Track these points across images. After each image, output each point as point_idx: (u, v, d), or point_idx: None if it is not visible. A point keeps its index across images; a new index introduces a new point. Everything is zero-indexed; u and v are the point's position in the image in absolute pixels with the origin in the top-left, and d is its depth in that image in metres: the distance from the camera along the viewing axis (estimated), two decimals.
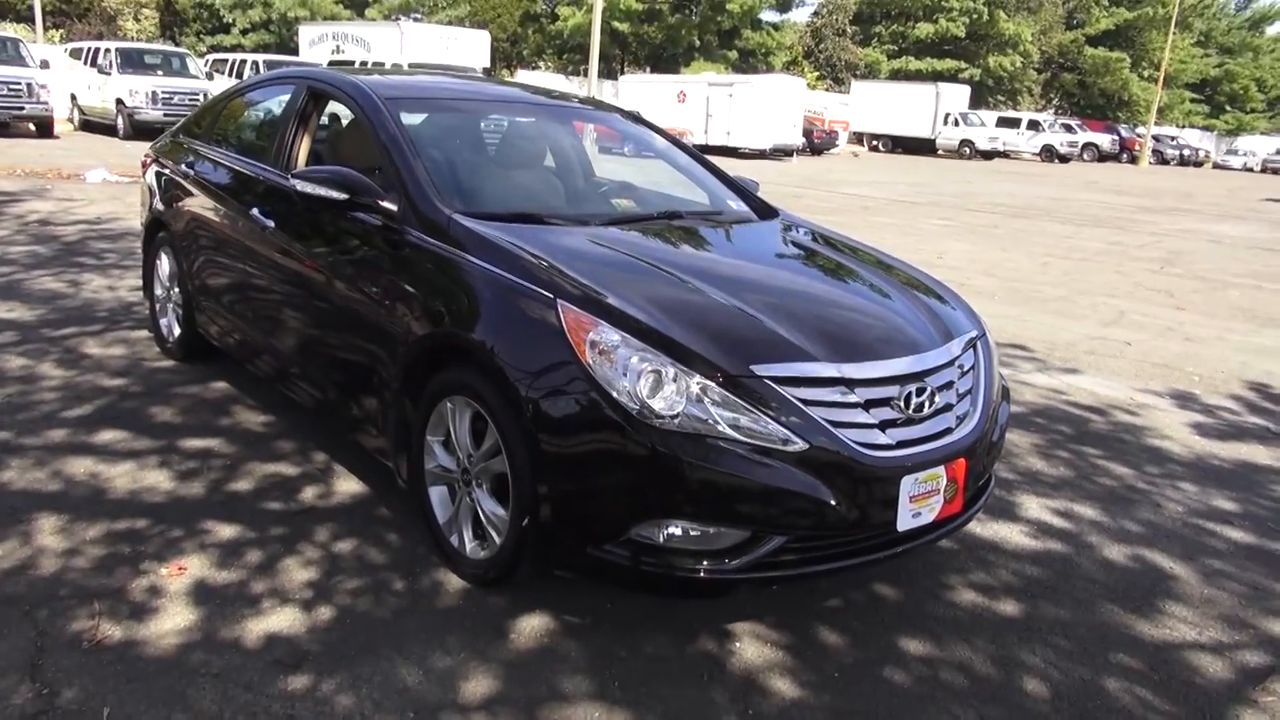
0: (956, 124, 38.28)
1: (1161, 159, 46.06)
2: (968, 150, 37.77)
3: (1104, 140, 43.82)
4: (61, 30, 39.13)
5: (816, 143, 33.98)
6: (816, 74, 49.28)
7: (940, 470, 2.70)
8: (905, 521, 2.65)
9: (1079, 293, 9.01)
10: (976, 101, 44.16)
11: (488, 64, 26.43)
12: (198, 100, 17.88)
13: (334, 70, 4.00)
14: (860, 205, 16.57)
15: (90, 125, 20.64)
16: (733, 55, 42.75)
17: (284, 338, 3.72)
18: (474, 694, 2.38)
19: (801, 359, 2.56)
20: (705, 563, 2.50)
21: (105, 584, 2.75)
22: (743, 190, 4.12)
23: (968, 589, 3.11)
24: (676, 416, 2.42)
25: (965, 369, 2.95)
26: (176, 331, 4.78)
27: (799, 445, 2.46)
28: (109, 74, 19.36)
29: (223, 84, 18.96)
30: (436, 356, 2.89)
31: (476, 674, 2.46)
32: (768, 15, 45.57)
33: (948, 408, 2.81)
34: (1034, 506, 3.83)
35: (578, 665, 2.53)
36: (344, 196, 3.15)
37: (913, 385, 2.70)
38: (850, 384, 2.59)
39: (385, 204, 3.16)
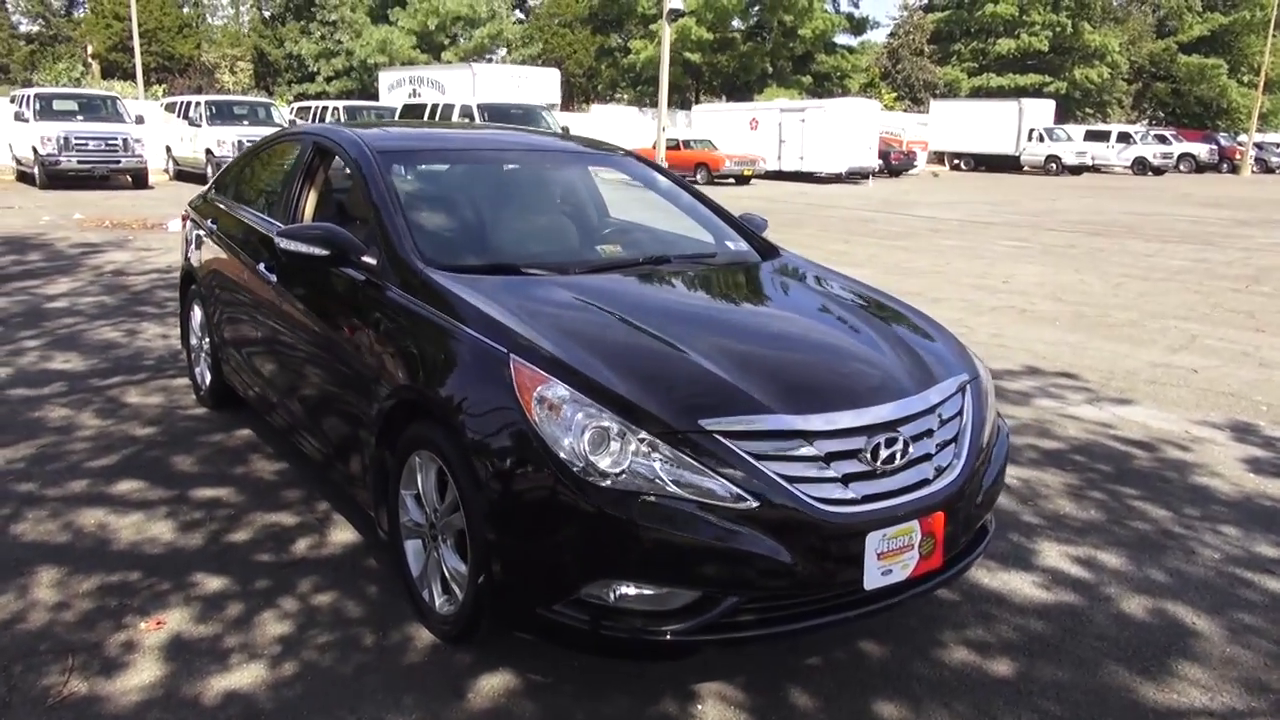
0: (1041, 139, 37.22)
1: (1265, 168, 43.86)
2: (1054, 166, 36.67)
3: (1201, 150, 41.92)
4: (164, 85, 41.41)
5: (894, 164, 33.48)
6: (894, 95, 48.65)
7: (914, 525, 2.58)
8: (873, 580, 2.53)
9: (1150, 316, 8.60)
10: (1063, 116, 42.94)
11: (557, 101, 26.90)
12: None
13: (338, 126, 4.10)
14: (930, 228, 16.21)
15: (184, 175, 21.69)
16: (807, 80, 42.55)
17: (289, 391, 3.79)
18: None
19: (755, 411, 2.48)
20: (657, 625, 2.42)
21: (85, 638, 2.82)
22: (744, 230, 4.05)
23: (961, 646, 2.95)
24: (621, 474, 2.36)
25: (948, 417, 2.81)
26: (208, 380, 4.94)
27: (749, 503, 2.37)
28: (199, 125, 20.33)
29: None
30: (407, 411, 2.90)
31: None
32: (842, 39, 45.31)
33: (925, 458, 2.68)
34: (1053, 554, 3.62)
35: None
36: (325, 253, 3.20)
37: (882, 436, 2.58)
38: (809, 436, 2.49)
39: (366, 259, 3.21)
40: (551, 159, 4.32)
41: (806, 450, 2.48)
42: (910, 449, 2.63)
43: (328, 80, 36.45)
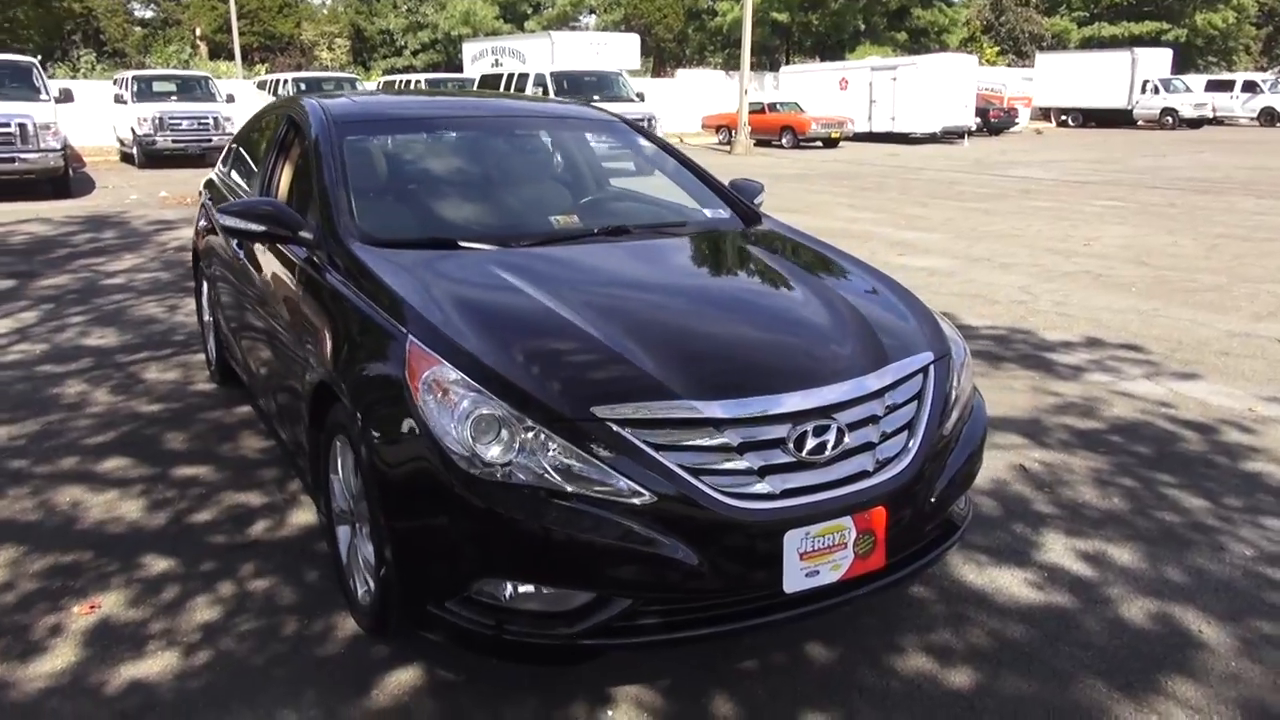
0: (1156, 91, 34.90)
1: None
2: (1170, 120, 34.36)
3: None
4: (265, 64, 42.68)
5: (993, 122, 31.95)
6: (996, 49, 46.39)
7: (846, 522, 2.33)
8: (796, 582, 2.29)
9: (1241, 280, 7.89)
10: (1182, 65, 40.22)
11: (636, 66, 26.54)
12: None
13: (310, 97, 4.00)
14: (1021, 189, 15.36)
15: None
16: (902, 37, 40.87)
17: (255, 369, 3.74)
18: None
19: (658, 397, 2.26)
20: (552, 627, 2.25)
21: (17, 620, 2.81)
22: (729, 196, 3.78)
23: (920, 653, 2.68)
24: (507, 466, 2.19)
25: (900, 402, 2.53)
26: (214, 356, 4.96)
27: (644, 497, 2.17)
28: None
29: None
30: (329, 393, 2.78)
31: None
32: None
33: (865, 448, 2.41)
34: (1057, 548, 3.29)
35: None
36: (262, 229, 3.10)
37: (810, 423, 2.33)
38: (719, 424, 2.26)
39: (303, 234, 3.09)
40: (533, 127, 4.12)
41: (715, 439, 2.25)
42: (846, 438, 2.37)
43: (414, 54, 36.95)
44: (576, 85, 18.56)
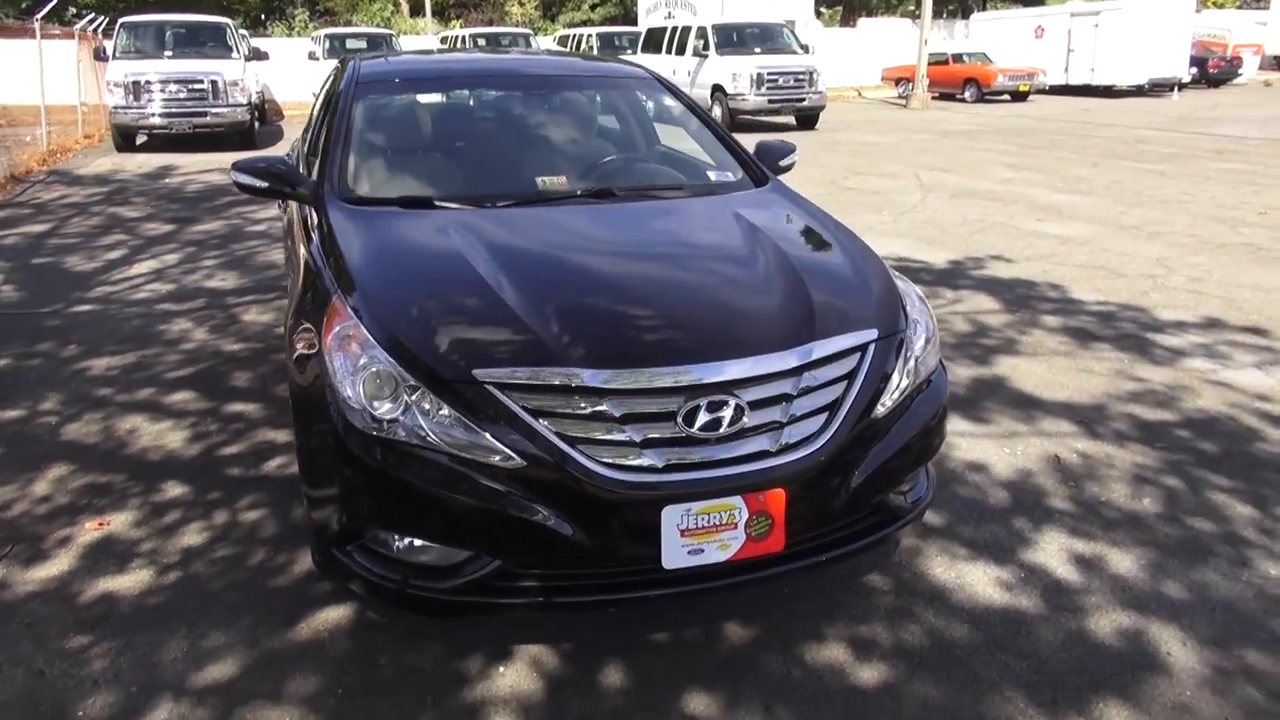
0: None
1: None
2: None
3: None
4: (460, 19, 44.24)
5: (1212, 73, 28.90)
6: None
7: (736, 501, 2.27)
8: (676, 559, 2.26)
9: None
10: None
11: (811, 15, 25.66)
12: None
13: (364, 56, 4.16)
14: (1215, 149, 13.89)
15: None
16: None
17: None
18: (202, 681, 2.44)
19: (542, 363, 2.26)
20: (433, 580, 2.32)
21: (36, 530, 3.17)
22: (743, 157, 3.67)
23: (839, 644, 2.57)
24: (392, 422, 2.26)
25: (819, 382, 2.40)
26: None
27: (516, 462, 2.19)
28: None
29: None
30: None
31: (225, 660, 2.51)
32: None
33: (769, 427, 2.32)
34: (1050, 548, 3.05)
35: (324, 668, 2.49)
36: (264, 184, 3.28)
37: (705, 398, 2.27)
38: (600, 393, 2.24)
39: (300, 190, 3.26)
40: (557, 86, 4.12)
41: (597, 408, 2.23)
42: (746, 415, 2.29)
43: (592, 8, 37.37)
44: (739, 36, 18.17)
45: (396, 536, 2.34)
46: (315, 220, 3.09)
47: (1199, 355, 4.90)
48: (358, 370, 2.32)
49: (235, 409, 4.23)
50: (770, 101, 17.13)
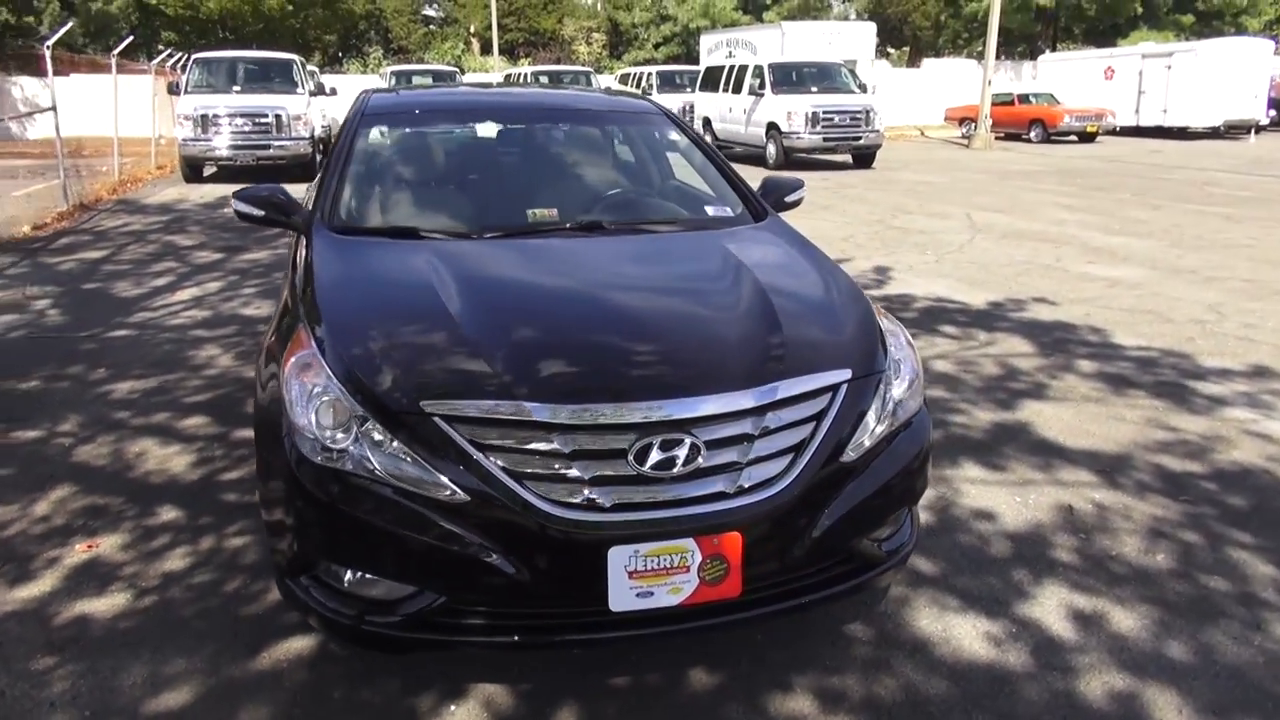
0: None
1: None
2: None
3: None
4: (528, 58, 45.23)
5: None
6: None
7: (688, 544, 2.19)
8: (624, 601, 2.18)
9: None
10: None
11: (872, 56, 25.58)
12: None
13: (378, 89, 4.23)
14: None
15: None
16: (1189, 20, 36.48)
17: None
18: (155, 707, 2.43)
19: (490, 396, 2.22)
20: (380, 614, 2.27)
21: (28, 550, 3.22)
22: (743, 192, 3.62)
23: (807, 695, 2.46)
24: (339, 453, 2.24)
25: (784, 423, 2.32)
26: None
27: (460, 497, 2.14)
28: (650, 94, 21.58)
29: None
30: None
31: (182, 688, 2.50)
32: None
33: (729, 467, 2.24)
34: (1049, 604, 2.89)
35: (277, 699, 2.46)
36: (261, 213, 3.33)
37: (659, 436, 2.20)
38: (550, 429, 2.18)
39: (295, 218, 3.30)
40: (561, 119, 4.14)
41: (545, 445, 2.18)
42: (702, 455, 2.21)
43: (655, 47, 37.86)
44: (797, 75, 18.17)
45: (347, 570, 2.31)
46: (303, 249, 3.12)
47: (1240, 404, 4.66)
48: (311, 399, 2.30)
49: (242, 435, 4.27)
50: (825, 140, 17.05)
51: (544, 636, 2.25)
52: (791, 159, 17.18)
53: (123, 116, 15.03)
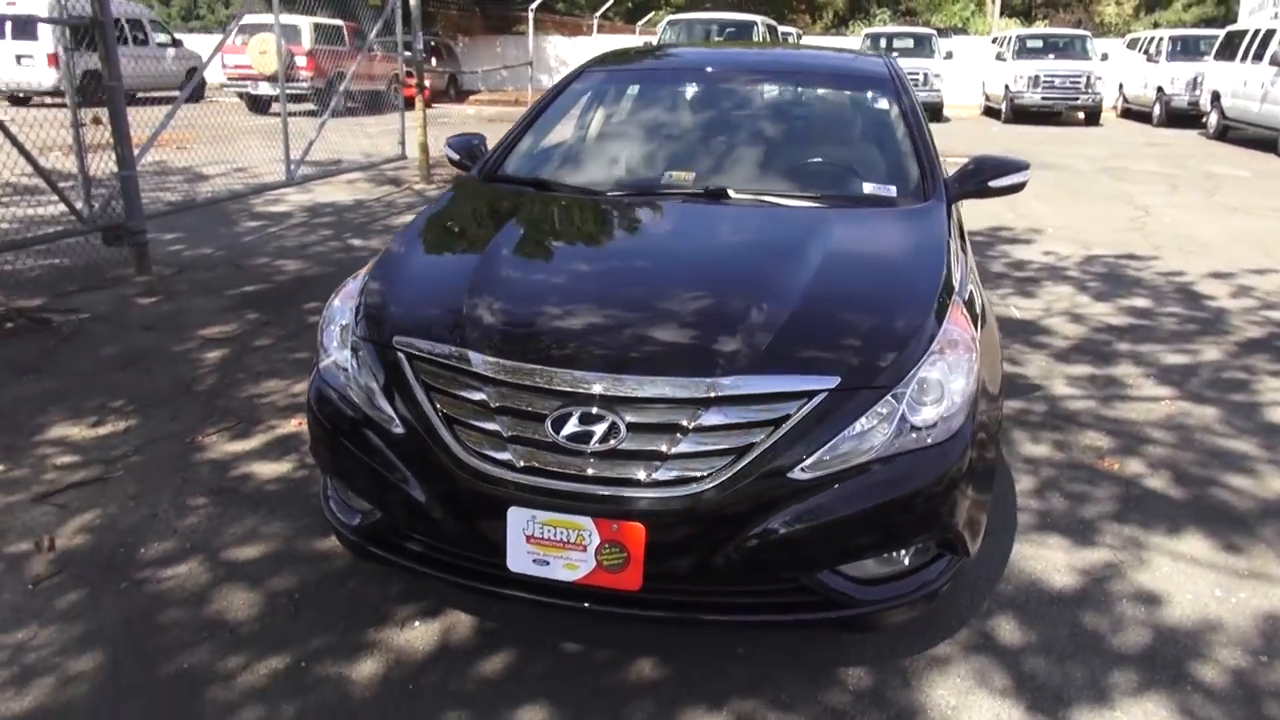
0: None
1: None
2: None
3: None
4: (1045, 19, 41.54)
5: None
6: None
7: (586, 523, 2.13)
8: (521, 564, 2.19)
9: None
10: None
11: None
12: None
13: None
14: None
15: (1131, 113, 21.42)
16: None
17: None
18: (232, 556, 2.91)
19: (444, 341, 2.33)
20: (344, 521, 2.51)
21: (263, 418, 3.96)
22: (927, 172, 3.24)
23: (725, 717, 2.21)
24: (340, 366, 2.50)
25: (732, 421, 2.13)
26: None
27: (397, 427, 2.29)
28: (1156, 62, 19.90)
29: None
30: None
31: (259, 547, 2.97)
32: None
33: (649, 455, 2.11)
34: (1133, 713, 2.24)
35: (307, 575, 2.82)
36: (456, 157, 3.70)
37: (579, 409, 2.14)
38: (482, 379, 2.23)
39: (467, 163, 3.62)
40: (769, 80, 4.02)
41: (477, 395, 2.24)
42: (621, 436, 2.11)
43: (1185, 8, 32.69)
44: None
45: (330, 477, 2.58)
46: None
47: None
48: (336, 319, 2.61)
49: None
50: None
51: (457, 576, 2.32)
52: None
53: None
